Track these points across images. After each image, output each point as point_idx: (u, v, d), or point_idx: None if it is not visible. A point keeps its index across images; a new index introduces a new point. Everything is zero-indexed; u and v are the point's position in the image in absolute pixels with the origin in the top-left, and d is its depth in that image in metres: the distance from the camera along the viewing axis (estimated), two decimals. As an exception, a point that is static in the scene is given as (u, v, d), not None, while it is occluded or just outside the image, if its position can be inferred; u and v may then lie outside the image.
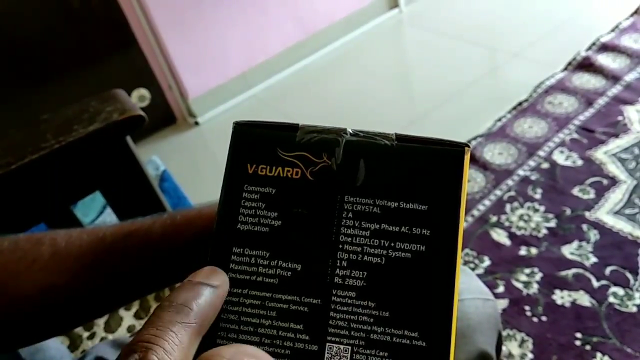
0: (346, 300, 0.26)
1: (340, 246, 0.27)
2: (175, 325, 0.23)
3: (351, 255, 0.26)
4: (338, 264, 0.26)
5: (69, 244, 0.39)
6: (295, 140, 0.28)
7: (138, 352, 0.21)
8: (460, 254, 0.26)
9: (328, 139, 0.28)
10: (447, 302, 0.26)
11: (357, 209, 0.27)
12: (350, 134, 0.28)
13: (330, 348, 0.25)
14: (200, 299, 0.24)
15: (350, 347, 0.25)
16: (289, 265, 0.27)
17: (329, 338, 0.26)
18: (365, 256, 0.26)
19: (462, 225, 0.27)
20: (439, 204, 0.26)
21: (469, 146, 0.27)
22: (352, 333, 0.25)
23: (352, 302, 0.26)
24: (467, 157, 0.27)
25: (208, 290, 0.25)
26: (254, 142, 0.28)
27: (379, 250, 0.26)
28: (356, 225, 0.27)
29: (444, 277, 0.26)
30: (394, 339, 0.25)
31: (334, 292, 0.26)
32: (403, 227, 0.26)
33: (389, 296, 0.26)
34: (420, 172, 0.27)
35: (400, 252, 0.26)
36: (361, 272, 0.26)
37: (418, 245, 0.26)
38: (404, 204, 0.27)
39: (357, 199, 0.27)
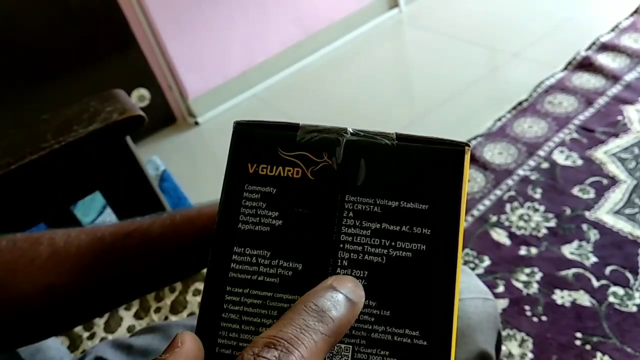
0: None
1: (341, 245, 0.27)
2: (317, 334, 0.22)
3: (352, 254, 0.26)
4: (339, 264, 0.26)
5: (68, 243, 0.39)
6: (296, 140, 0.28)
7: (279, 350, 0.21)
8: (460, 253, 0.26)
9: (329, 138, 0.28)
10: (448, 301, 0.25)
11: (357, 208, 0.27)
12: (351, 133, 0.28)
13: (332, 347, 0.25)
14: (343, 313, 0.23)
15: (351, 346, 0.25)
16: (290, 264, 0.27)
17: None
18: (366, 255, 0.26)
19: (463, 224, 0.27)
20: (440, 203, 0.26)
21: (469, 146, 0.27)
22: (353, 332, 0.25)
23: None
24: (467, 157, 0.27)
25: (351, 306, 0.24)
26: (254, 141, 0.28)
27: (380, 249, 0.26)
28: (357, 224, 0.27)
29: (444, 276, 0.26)
30: (395, 337, 0.25)
31: None
32: (404, 227, 0.26)
33: (390, 295, 0.26)
34: (420, 172, 0.27)
35: (400, 252, 0.26)
36: (362, 272, 0.26)
37: (419, 245, 0.26)
38: (405, 203, 0.27)
39: (358, 198, 0.27)
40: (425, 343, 0.25)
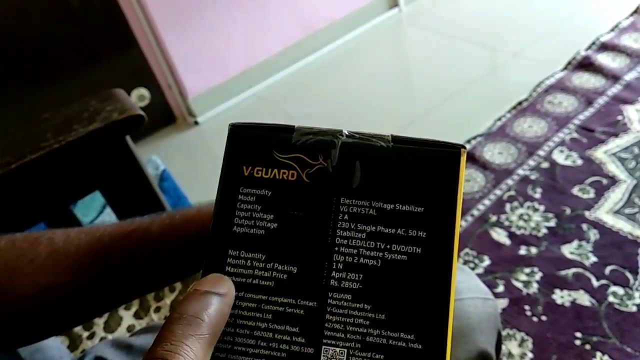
0: (342, 302, 0.26)
1: (336, 248, 0.26)
2: (188, 338, 0.23)
3: (347, 257, 0.26)
4: (334, 267, 0.26)
5: (67, 243, 0.39)
6: (291, 142, 0.28)
7: None
8: (456, 256, 0.26)
9: (324, 140, 0.28)
10: (444, 304, 0.25)
11: (353, 210, 0.27)
12: (346, 135, 0.28)
13: (327, 351, 0.25)
14: (210, 309, 0.24)
15: (346, 350, 0.25)
16: (285, 267, 0.27)
17: (325, 341, 0.26)
18: (361, 258, 0.26)
19: (459, 227, 0.27)
20: (435, 205, 0.26)
21: (465, 148, 0.27)
22: (348, 336, 0.25)
23: (348, 305, 0.26)
24: (463, 159, 0.27)
25: (216, 299, 0.25)
26: (249, 144, 0.28)
27: (375, 252, 0.26)
28: (352, 227, 0.27)
29: (440, 279, 0.26)
30: (390, 341, 0.25)
31: (330, 295, 0.26)
32: (399, 229, 0.26)
33: (385, 299, 0.26)
34: (416, 174, 0.27)
35: (396, 255, 0.26)
36: (357, 275, 0.26)
37: (414, 248, 0.26)
38: (400, 205, 0.27)
39: (353, 200, 0.27)
40: (420, 347, 0.25)
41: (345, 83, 1.99)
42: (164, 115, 1.96)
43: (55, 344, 0.65)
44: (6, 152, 0.60)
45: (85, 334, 0.71)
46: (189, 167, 1.76)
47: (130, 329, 0.71)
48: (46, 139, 0.61)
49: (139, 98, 1.86)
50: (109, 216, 1.34)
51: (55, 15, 1.63)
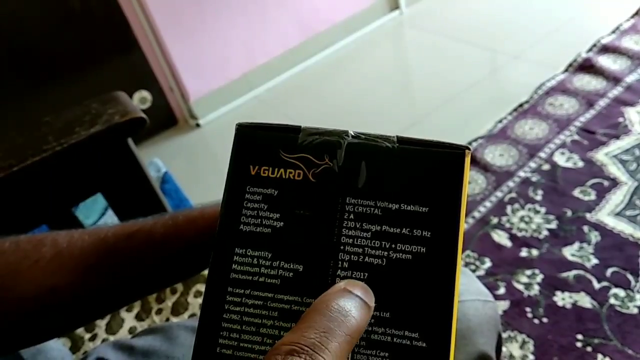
0: None
1: (342, 247, 0.27)
2: (340, 336, 0.22)
3: (352, 256, 0.27)
4: (339, 265, 0.27)
5: (71, 245, 0.39)
6: (298, 142, 0.28)
7: (302, 357, 0.20)
8: (460, 255, 0.26)
9: (330, 141, 0.28)
10: (448, 303, 0.26)
11: (358, 210, 0.27)
12: (352, 136, 0.28)
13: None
14: (362, 314, 0.23)
15: None
16: (291, 266, 0.27)
17: None
18: (366, 257, 0.26)
19: (463, 227, 0.27)
20: (440, 206, 0.27)
21: (469, 149, 0.27)
22: None
23: None
24: (467, 160, 0.27)
25: (366, 309, 0.24)
26: (256, 143, 0.28)
27: (380, 251, 0.26)
28: (357, 226, 0.27)
29: (444, 279, 0.26)
30: (395, 339, 0.25)
31: None
32: (404, 229, 0.27)
33: (390, 297, 0.26)
34: (421, 175, 0.27)
35: (401, 254, 0.26)
36: (362, 274, 0.26)
37: (419, 247, 0.26)
38: (405, 205, 0.27)
39: (359, 200, 0.27)
40: (424, 345, 0.25)
41: (346, 85, 2.00)
42: (165, 118, 1.96)
43: (57, 346, 0.65)
44: (8, 155, 0.60)
45: (87, 335, 0.71)
46: (191, 170, 1.76)
47: (131, 330, 0.71)
48: (48, 141, 0.61)
49: (140, 101, 1.86)
50: (110, 218, 1.34)
51: (57, 18, 1.64)
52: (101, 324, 0.72)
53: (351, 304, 0.23)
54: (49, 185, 0.66)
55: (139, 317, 0.72)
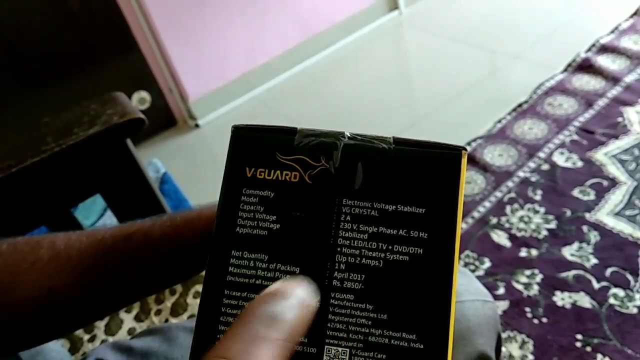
0: (344, 303, 0.26)
1: (339, 249, 0.27)
2: (270, 341, 0.20)
3: (349, 258, 0.26)
4: (336, 267, 0.26)
5: (69, 246, 0.39)
6: (294, 144, 0.28)
7: None
8: (457, 256, 0.26)
9: (326, 142, 0.28)
10: (445, 305, 0.26)
11: (355, 212, 0.27)
12: (348, 137, 0.28)
13: (329, 350, 0.26)
14: (295, 315, 0.21)
15: (348, 350, 0.25)
16: (288, 268, 0.27)
17: (327, 340, 0.26)
18: (363, 259, 0.26)
19: (460, 228, 0.27)
20: (437, 207, 0.27)
21: (466, 149, 0.27)
22: (350, 335, 0.26)
23: (351, 305, 0.26)
24: (464, 161, 0.27)
25: (303, 307, 0.22)
26: (252, 145, 0.28)
27: (377, 253, 0.26)
28: (354, 228, 0.27)
29: (441, 280, 0.26)
30: (392, 341, 0.25)
31: (332, 295, 0.26)
32: (401, 230, 0.26)
33: (387, 299, 0.26)
34: (417, 176, 0.27)
35: (398, 255, 0.26)
36: (359, 275, 0.26)
37: (416, 248, 0.26)
38: (402, 207, 0.27)
39: (355, 202, 0.27)
40: (422, 346, 0.25)
41: (345, 86, 2.00)
42: (164, 119, 1.96)
43: (56, 347, 0.65)
44: (7, 155, 0.60)
45: (86, 336, 0.71)
46: (190, 170, 1.76)
47: (130, 331, 0.71)
48: (47, 142, 0.61)
49: (139, 101, 1.86)
50: (109, 219, 1.34)
51: (56, 19, 1.64)
52: (100, 325, 0.72)
53: (282, 306, 0.21)
54: (47, 186, 0.65)
55: (138, 318, 0.72)
